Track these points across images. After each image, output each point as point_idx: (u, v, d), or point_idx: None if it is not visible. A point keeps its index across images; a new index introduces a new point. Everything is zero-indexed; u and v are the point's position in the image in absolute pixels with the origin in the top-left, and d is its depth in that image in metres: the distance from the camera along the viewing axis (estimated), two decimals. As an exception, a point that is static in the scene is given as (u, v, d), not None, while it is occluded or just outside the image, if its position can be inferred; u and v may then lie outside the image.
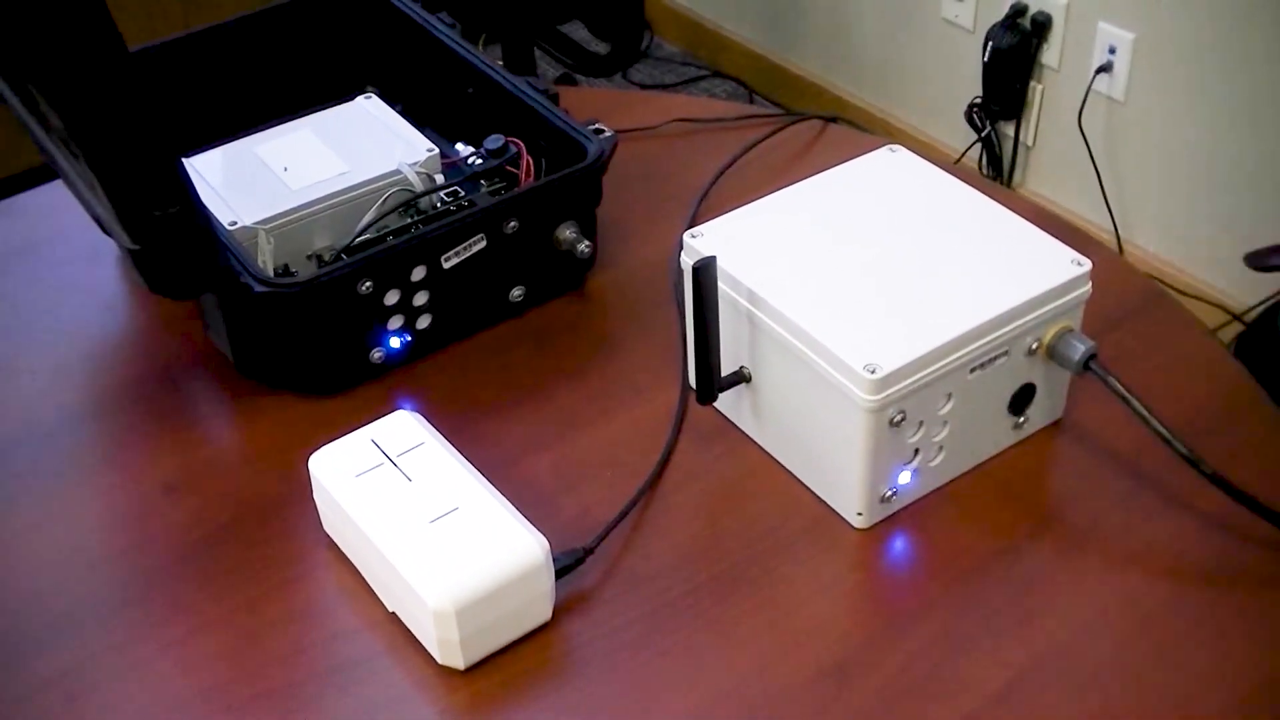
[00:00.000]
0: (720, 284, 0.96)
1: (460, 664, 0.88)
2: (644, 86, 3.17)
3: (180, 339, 1.13)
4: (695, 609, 0.92)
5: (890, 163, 1.07)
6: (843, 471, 0.94)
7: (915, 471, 0.96)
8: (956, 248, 0.98)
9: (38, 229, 1.25)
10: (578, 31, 2.64)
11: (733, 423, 1.03)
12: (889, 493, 0.95)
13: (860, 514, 0.95)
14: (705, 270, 0.91)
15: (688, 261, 0.99)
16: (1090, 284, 0.97)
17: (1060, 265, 0.97)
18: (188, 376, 1.10)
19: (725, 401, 1.03)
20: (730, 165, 1.28)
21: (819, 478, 0.98)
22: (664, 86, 3.20)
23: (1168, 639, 0.89)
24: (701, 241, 1.00)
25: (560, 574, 0.90)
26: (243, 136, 1.19)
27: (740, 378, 1.00)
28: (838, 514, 0.97)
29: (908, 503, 0.97)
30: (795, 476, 0.99)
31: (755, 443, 1.02)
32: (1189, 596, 0.91)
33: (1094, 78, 2.43)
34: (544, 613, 0.90)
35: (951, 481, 0.99)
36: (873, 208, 1.02)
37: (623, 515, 0.96)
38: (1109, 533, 0.95)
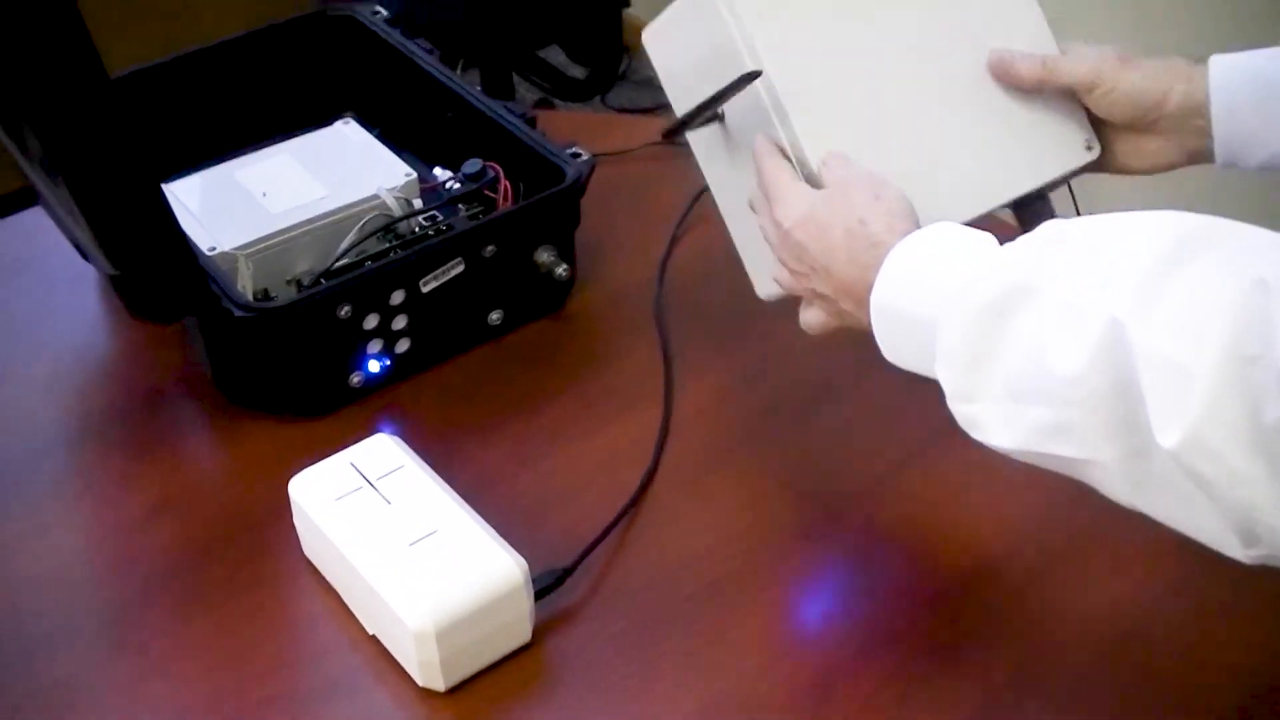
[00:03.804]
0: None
1: (441, 686, 0.88)
2: (622, 110, 3.18)
3: (162, 362, 1.13)
4: (677, 625, 0.92)
5: None
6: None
7: None
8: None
9: (18, 253, 1.26)
10: (555, 56, 2.65)
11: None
12: None
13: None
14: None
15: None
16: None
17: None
18: (170, 399, 1.11)
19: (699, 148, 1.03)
20: (708, 188, 1.29)
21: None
22: (642, 110, 3.21)
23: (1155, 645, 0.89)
24: None
25: (540, 594, 0.91)
26: (222, 162, 1.19)
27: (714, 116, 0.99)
28: (824, 531, 0.98)
29: None
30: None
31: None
32: (1175, 601, 0.92)
33: None
34: (524, 633, 0.90)
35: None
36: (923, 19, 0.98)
37: (604, 535, 0.97)
38: (1101, 543, 0.96)
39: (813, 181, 0.91)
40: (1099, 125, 0.98)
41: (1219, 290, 0.66)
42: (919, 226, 0.85)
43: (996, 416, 0.76)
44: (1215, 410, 0.65)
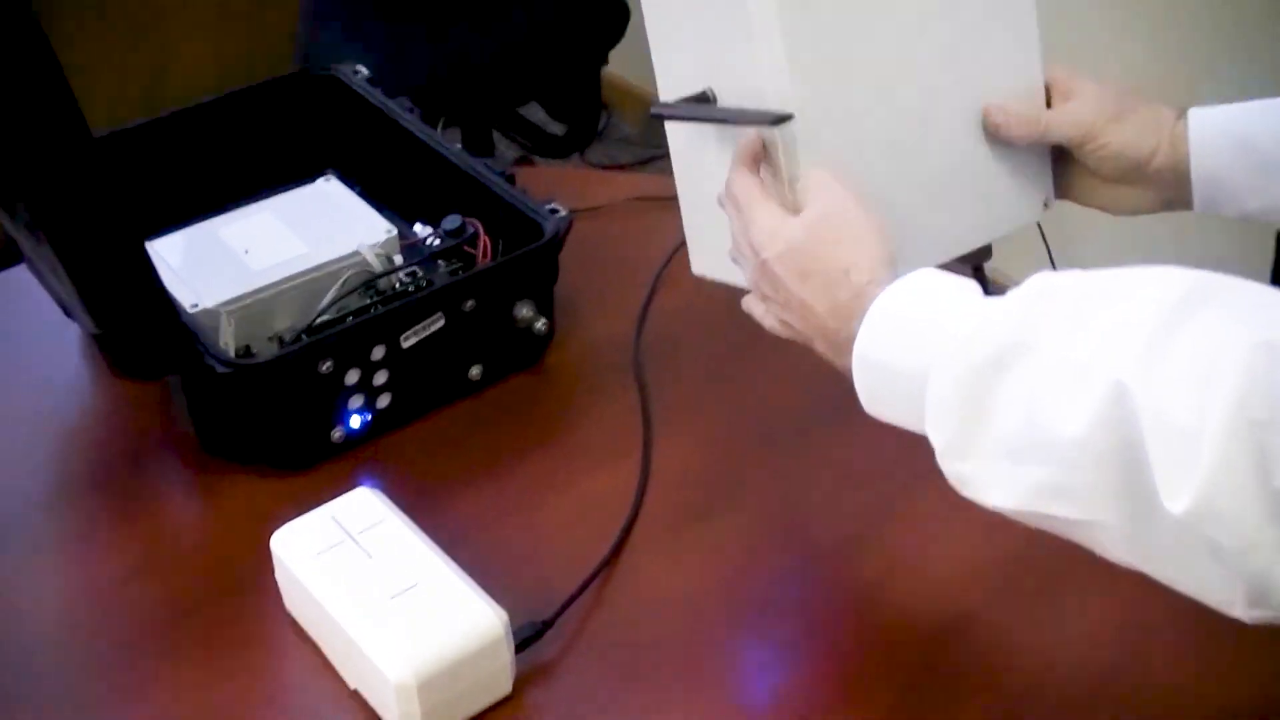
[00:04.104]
0: None
1: (422, 738, 0.88)
2: (602, 166, 3.21)
3: (145, 418, 1.14)
4: (656, 678, 0.93)
5: None
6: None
7: None
8: None
9: (2, 311, 1.26)
10: (535, 113, 2.68)
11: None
12: None
13: None
14: None
15: None
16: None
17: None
18: (152, 455, 1.11)
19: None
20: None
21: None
22: (620, 166, 3.24)
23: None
24: None
25: (521, 646, 0.91)
26: (205, 219, 1.21)
27: (704, 98, 0.96)
28: (803, 582, 0.98)
29: None
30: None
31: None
32: (1158, 634, 0.93)
33: None
34: (504, 685, 0.91)
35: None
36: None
37: (584, 587, 0.97)
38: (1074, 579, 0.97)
39: (793, 196, 0.91)
40: (1085, 171, 1.00)
41: (1222, 352, 0.66)
42: (897, 269, 0.85)
43: (992, 476, 0.75)
44: (1224, 475, 0.65)
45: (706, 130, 0.97)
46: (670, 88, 0.98)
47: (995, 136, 0.99)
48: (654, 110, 0.97)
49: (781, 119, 0.89)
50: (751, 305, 0.94)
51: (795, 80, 0.90)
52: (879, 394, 0.83)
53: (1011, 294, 0.77)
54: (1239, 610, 0.69)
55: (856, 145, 0.93)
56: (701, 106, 0.95)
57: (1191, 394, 0.66)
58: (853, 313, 0.83)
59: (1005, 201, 1.01)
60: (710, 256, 1.00)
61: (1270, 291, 0.70)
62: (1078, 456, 0.71)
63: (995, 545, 1.00)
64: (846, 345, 0.84)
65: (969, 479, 0.77)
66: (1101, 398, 0.69)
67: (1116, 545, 0.72)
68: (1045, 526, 0.75)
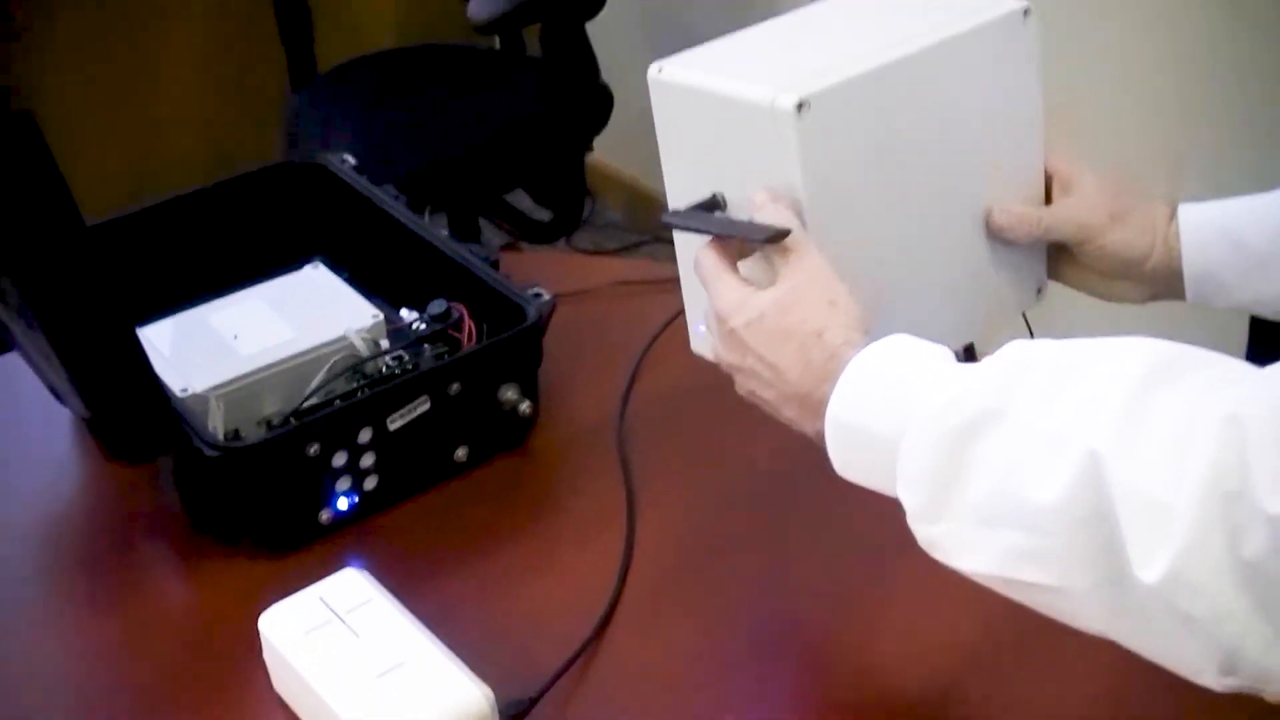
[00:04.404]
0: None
1: (409, 815, 0.89)
2: (588, 252, 3.23)
3: (135, 501, 1.15)
4: (639, 755, 0.93)
5: None
6: None
7: None
8: None
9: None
10: (521, 200, 2.71)
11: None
12: None
13: None
14: None
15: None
16: None
17: None
18: (142, 537, 1.13)
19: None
20: (669, 325, 1.32)
21: None
22: (607, 252, 3.27)
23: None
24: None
25: (506, 724, 0.93)
26: (195, 306, 1.23)
27: (715, 204, 0.98)
28: (786, 656, 0.99)
29: None
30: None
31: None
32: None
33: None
34: (491, 762, 0.92)
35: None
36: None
37: (569, 664, 0.98)
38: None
39: (766, 263, 0.92)
40: (1080, 264, 1.03)
41: (1194, 425, 0.68)
42: (869, 334, 0.86)
43: (964, 540, 0.77)
44: (1197, 546, 0.66)
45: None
46: (678, 190, 1.00)
47: (997, 237, 1.01)
48: (665, 219, 0.98)
49: (780, 235, 0.90)
50: (740, 391, 0.95)
51: (807, 192, 0.91)
52: (851, 456, 0.84)
53: (986, 361, 0.79)
54: (1210, 679, 0.70)
55: (859, 243, 0.95)
56: (707, 217, 0.97)
57: (1164, 465, 0.68)
58: (827, 374, 0.85)
59: (1001, 293, 1.02)
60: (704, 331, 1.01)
61: (1237, 365, 0.72)
62: (1051, 523, 0.72)
63: (980, 612, 0.99)
64: (819, 407, 0.85)
65: (939, 542, 0.78)
66: (1076, 466, 0.70)
67: (1087, 613, 0.74)
68: (1014, 594, 0.76)
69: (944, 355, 0.83)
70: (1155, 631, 0.71)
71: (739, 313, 0.90)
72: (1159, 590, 0.67)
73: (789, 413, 0.89)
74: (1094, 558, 0.71)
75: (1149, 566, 0.67)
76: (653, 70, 0.98)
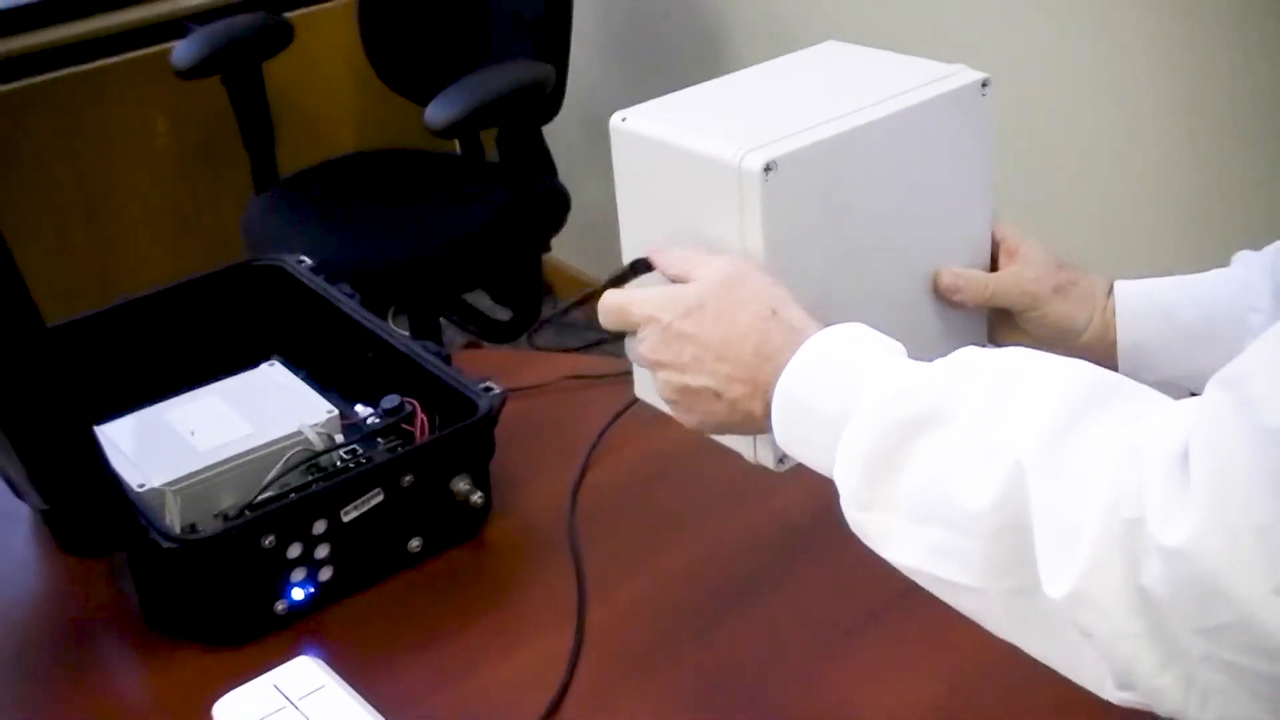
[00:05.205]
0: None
1: None
2: (549, 350, 3.26)
3: (90, 594, 1.17)
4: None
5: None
6: None
7: None
8: None
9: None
10: (481, 300, 2.74)
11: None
12: None
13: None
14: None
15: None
16: None
17: None
18: (97, 630, 1.14)
19: None
20: (618, 417, 1.35)
21: None
22: (568, 349, 3.30)
23: None
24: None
25: (456, 807, 0.94)
26: (154, 404, 1.25)
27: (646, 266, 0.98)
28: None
29: None
30: None
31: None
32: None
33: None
34: (441, 846, 0.93)
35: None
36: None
37: (517, 750, 1.00)
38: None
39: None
40: (1019, 329, 1.06)
41: (1106, 452, 0.71)
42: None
43: (893, 530, 0.79)
44: (1099, 568, 0.69)
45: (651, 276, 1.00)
46: (633, 239, 1.01)
47: (944, 298, 1.04)
48: (604, 283, 0.99)
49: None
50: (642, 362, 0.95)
51: (767, 250, 0.93)
52: (795, 432, 0.86)
53: (939, 363, 0.82)
54: (1108, 692, 0.73)
55: (810, 298, 0.94)
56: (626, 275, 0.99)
57: (1078, 487, 0.71)
58: (786, 345, 0.86)
59: (943, 353, 1.05)
60: (649, 383, 1.02)
61: (1159, 399, 0.75)
62: (975, 527, 0.75)
63: (936, 685, 1.03)
64: (768, 381, 0.86)
65: (868, 530, 0.81)
66: (1003, 477, 0.73)
67: (996, 617, 0.77)
68: (935, 589, 0.79)
69: (897, 350, 0.85)
70: (1059, 643, 0.74)
71: (672, 306, 0.91)
72: (1063, 606, 0.71)
73: (734, 392, 0.88)
74: (1009, 566, 0.74)
75: (1055, 582, 0.71)
76: (615, 119, 1.00)
